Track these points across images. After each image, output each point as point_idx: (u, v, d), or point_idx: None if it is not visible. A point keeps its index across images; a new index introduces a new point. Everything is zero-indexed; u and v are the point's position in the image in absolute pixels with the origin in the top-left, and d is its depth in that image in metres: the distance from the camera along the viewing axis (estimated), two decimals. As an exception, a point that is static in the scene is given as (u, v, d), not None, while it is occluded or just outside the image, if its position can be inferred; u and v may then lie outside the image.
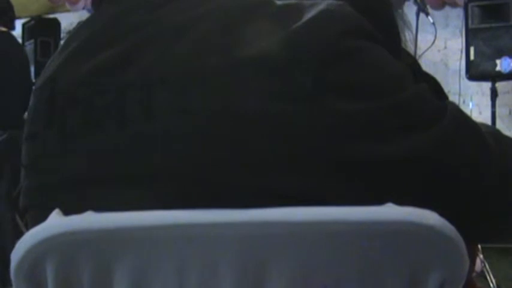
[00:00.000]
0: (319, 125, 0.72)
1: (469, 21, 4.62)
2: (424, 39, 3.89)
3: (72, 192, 0.75)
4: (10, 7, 4.23)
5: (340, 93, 0.73)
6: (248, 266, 0.70)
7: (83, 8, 6.49)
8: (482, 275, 3.46)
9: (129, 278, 0.70)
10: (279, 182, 0.71)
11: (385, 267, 0.71)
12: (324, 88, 0.73)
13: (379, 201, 0.71)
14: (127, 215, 0.70)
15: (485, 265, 3.47)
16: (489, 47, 4.51)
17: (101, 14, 0.84)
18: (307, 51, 0.74)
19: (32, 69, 4.85)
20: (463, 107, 0.82)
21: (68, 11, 6.57)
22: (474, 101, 5.34)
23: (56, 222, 0.71)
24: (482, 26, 4.57)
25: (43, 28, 6.02)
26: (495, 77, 4.53)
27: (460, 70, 4.98)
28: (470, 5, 4.63)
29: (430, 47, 3.79)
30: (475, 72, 4.58)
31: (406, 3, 3.80)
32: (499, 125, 4.75)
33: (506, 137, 0.85)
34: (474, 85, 5.20)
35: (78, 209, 0.70)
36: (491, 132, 0.83)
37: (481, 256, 3.32)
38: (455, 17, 5.44)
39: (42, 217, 0.71)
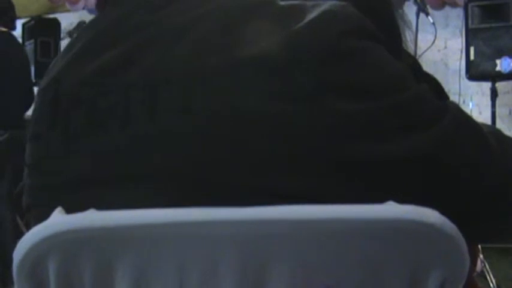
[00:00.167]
0: (319, 125, 0.72)
1: (469, 21, 4.62)
2: (424, 39, 3.89)
3: (75, 192, 0.75)
4: (11, 7, 4.23)
5: (340, 93, 0.73)
6: (249, 265, 0.70)
7: (83, 8, 6.49)
8: (482, 275, 3.46)
9: (130, 276, 0.71)
10: (279, 182, 0.71)
11: (386, 265, 0.71)
12: (324, 88, 0.73)
13: (379, 201, 0.71)
14: (128, 213, 0.70)
15: (485, 265, 3.48)
16: (489, 47, 4.51)
17: (104, 16, 0.85)
18: (308, 51, 0.74)
19: (32, 69, 4.84)
20: (463, 107, 0.82)
21: (68, 11, 6.57)
22: (474, 101, 5.34)
23: (58, 220, 0.71)
24: (482, 26, 4.57)
25: (43, 28, 6.01)
26: (495, 77, 4.53)
27: (460, 70, 4.98)
28: (470, 5, 4.63)
29: (430, 47, 3.79)
30: (475, 72, 4.58)
31: (406, 3, 3.80)
32: (499, 125, 4.75)
33: (507, 137, 0.86)
34: (474, 85, 5.20)
35: (81, 209, 0.71)
36: (492, 132, 0.83)
37: (481, 256, 3.32)
38: (455, 17, 5.44)
39: (45, 216, 0.71)
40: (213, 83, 0.73)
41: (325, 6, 0.77)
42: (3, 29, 4.10)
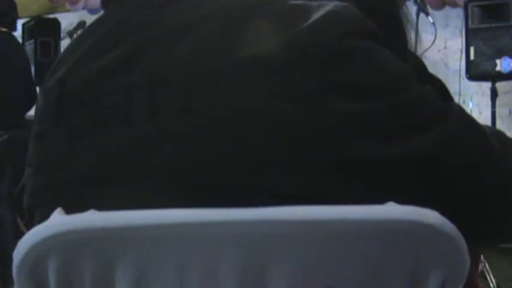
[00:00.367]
0: (319, 125, 0.72)
1: (469, 21, 4.61)
2: (424, 39, 3.89)
3: (78, 191, 0.75)
4: (12, 8, 4.22)
5: (340, 93, 0.73)
6: (249, 265, 0.70)
7: (83, 8, 6.49)
8: (482, 275, 3.46)
9: (131, 276, 0.71)
10: (279, 182, 0.71)
11: (386, 265, 0.71)
12: (324, 88, 0.73)
13: (379, 201, 0.71)
14: (128, 213, 0.70)
15: (485, 265, 3.48)
16: (489, 47, 4.51)
17: (106, 16, 0.85)
18: (308, 51, 0.74)
19: (32, 69, 4.84)
20: (463, 107, 0.82)
21: (68, 11, 6.57)
22: (474, 101, 5.33)
23: (58, 220, 0.71)
24: (482, 26, 4.56)
25: (43, 28, 6.01)
26: (495, 77, 4.53)
27: (460, 70, 4.97)
28: (470, 5, 4.63)
29: (430, 47, 3.79)
30: (475, 72, 4.58)
31: (406, 3, 3.80)
32: (499, 125, 4.75)
33: (509, 139, 0.86)
34: (474, 85, 5.20)
35: (83, 209, 0.71)
36: (494, 134, 0.83)
37: (481, 256, 3.32)
38: (455, 17, 5.44)
39: (47, 216, 0.71)
40: (213, 83, 0.73)
41: (329, 6, 0.77)
42: (4, 29, 4.10)
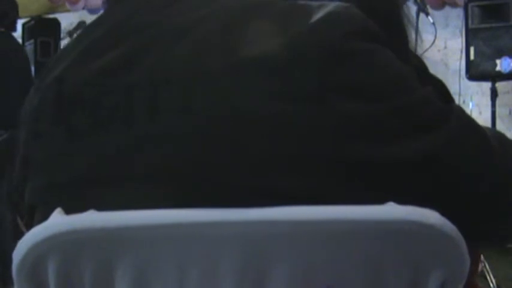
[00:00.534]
0: (319, 125, 0.72)
1: (469, 21, 4.62)
2: (424, 39, 3.89)
3: (78, 191, 0.75)
4: (13, 8, 4.22)
5: (341, 94, 0.73)
6: (249, 265, 0.70)
7: (83, 8, 6.49)
8: (482, 275, 3.46)
9: (131, 277, 0.71)
10: (279, 182, 0.71)
11: (386, 266, 0.71)
12: (324, 88, 0.73)
13: (379, 201, 0.71)
14: (128, 214, 0.70)
15: (485, 265, 3.48)
16: (489, 47, 4.51)
17: (106, 16, 0.85)
18: (309, 51, 0.74)
19: (32, 69, 4.84)
20: (463, 107, 0.82)
21: (68, 11, 6.57)
22: (474, 101, 5.33)
23: (58, 221, 0.71)
24: (482, 26, 4.56)
25: (43, 28, 6.01)
26: (495, 77, 4.53)
27: (460, 70, 4.97)
28: (470, 5, 4.63)
29: (430, 47, 3.79)
30: (475, 72, 4.58)
31: (406, 3, 3.80)
32: (499, 125, 4.75)
33: (509, 140, 0.86)
34: (474, 85, 5.20)
35: (83, 209, 0.71)
36: (494, 135, 0.83)
37: (481, 256, 3.32)
38: (455, 17, 5.44)
39: (48, 216, 0.71)
40: (213, 83, 0.73)
41: (330, 7, 0.77)
42: (3, 30, 4.09)
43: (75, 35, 5.50)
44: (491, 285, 3.52)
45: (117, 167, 0.74)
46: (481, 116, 5.13)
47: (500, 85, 4.64)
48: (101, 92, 0.76)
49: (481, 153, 0.79)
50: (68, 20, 6.23)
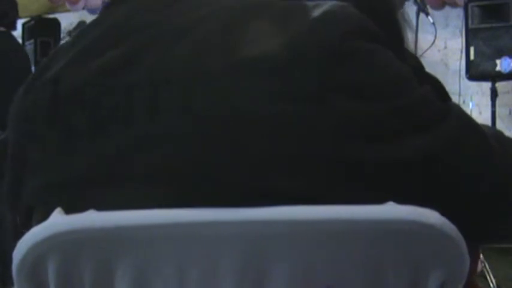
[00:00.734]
0: (319, 125, 0.72)
1: (469, 21, 4.61)
2: (424, 39, 3.89)
3: (78, 191, 0.75)
4: (12, 8, 4.21)
5: (340, 94, 0.73)
6: (249, 265, 0.70)
7: (83, 8, 6.49)
8: (482, 275, 3.46)
9: (130, 277, 0.71)
10: (279, 182, 0.71)
11: (386, 265, 0.71)
12: (324, 88, 0.73)
13: (379, 201, 0.71)
14: (128, 214, 0.70)
15: (485, 265, 3.47)
16: (489, 47, 4.51)
17: (105, 15, 0.84)
18: (308, 51, 0.74)
19: (32, 69, 4.84)
20: (463, 107, 0.82)
21: (68, 11, 6.57)
22: (474, 101, 5.33)
23: (58, 221, 0.71)
24: (482, 26, 4.56)
25: (43, 28, 6.01)
26: (495, 77, 4.53)
27: (460, 70, 4.97)
28: (470, 5, 4.63)
29: (430, 47, 3.79)
30: (475, 72, 4.58)
31: (406, 3, 3.80)
32: (499, 125, 4.75)
33: (508, 139, 0.86)
34: (474, 85, 5.20)
35: (83, 209, 0.71)
36: (493, 134, 0.83)
37: (481, 256, 3.32)
38: (455, 17, 5.44)
39: (48, 216, 0.71)
40: (213, 83, 0.73)
41: (326, 6, 0.77)
42: (3, 29, 4.09)
43: (74, 34, 5.52)
44: (491, 285, 3.51)
45: (117, 167, 0.74)
46: (481, 116, 5.13)
47: (500, 85, 4.64)
48: (100, 91, 0.76)
49: (481, 153, 0.79)
50: (68, 20, 6.23)
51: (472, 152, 0.78)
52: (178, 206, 0.70)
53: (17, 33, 4.87)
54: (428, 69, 0.87)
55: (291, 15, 0.77)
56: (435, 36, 3.83)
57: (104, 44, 0.79)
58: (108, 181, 0.74)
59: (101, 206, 0.71)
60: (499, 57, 4.48)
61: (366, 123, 0.73)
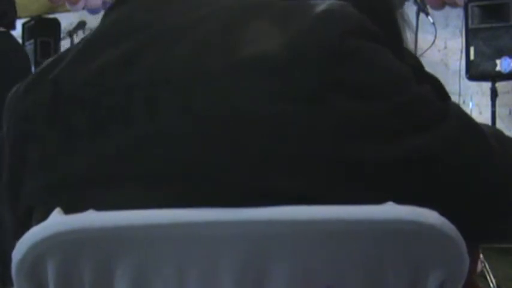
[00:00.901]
0: (319, 125, 0.72)
1: (469, 21, 4.61)
2: (424, 39, 3.89)
3: (77, 192, 0.75)
4: (11, 8, 4.21)
5: (340, 94, 0.73)
6: (249, 265, 0.70)
7: (83, 8, 6.48)
8: (482, 275, 3.46)
9: (130, 277, 0.71)
10: (279, 182, 0.71)
11: (386, 265, 0.71)
12: (324, 88, 0.73)
13: (379, 201, 0.71)
14: (128, 213, 0.70)
15: (485, 265, 3.47)
16: (489, 47, 4.51)
17: (108, 14, 0.84)
18: (308, 51, 0.74)
19: (32, 69, 4.84)
20: (463, 107, 0.82)
21: (68, 11, 6.56)
22: (474, 101, 5.33)
23: (57, 221, 0.71)
24: (482, 26, 4.56)
25: (43, 28, 6.01)
26: (495, 77, 4.53)
27: (460, 70, 4.97)
28: (470, 5, 4.63)
29: (430, 47, 3.79)
30: (475, 72, 4.57)
31: (406, 3, 3.80)
32: (499, 125, 4.74)
33: (508, 139, 0.86)
34: (474, 85, 5.20)
35: (82, 209, 0.71)
36: (493, 133, 0.83)
37: (481, 256, 3.32)
38: (455, 17, 5.44)
39: (47, 216, 0.71)
40: (213, 83, 0.73)
41: (325, 6, 0.77)
42: (3, 29, 4.08)
43: (75, 35, 5.49)
44: (491, 285, 3.51)
45: (117, 167, 0.74)
46: (481, 116, 5.12)
47: (500, 85, 4.64)
48: (100, 92, 0.76)
49: (481, 153, 0.79)
50: (68, 20, 6.23)
51: (472, 152, 0.78)
52: (178, 206, 0.70)
53: (17, 33, 4.87)
54: (428, 69, 0.87)
55: (291, 15, 0.77)
56: (435, 36, 3.83)
57: (103, 44, 0.79)
58: (108, 181, 0.74)
59: (101, 206, 0.71)
60: (499, 57, 4.48)
61: (366, 123, 0.73)
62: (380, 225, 0.70)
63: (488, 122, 4.45)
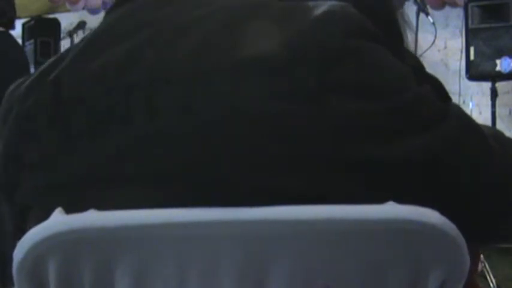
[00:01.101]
0: (319, 125, 0.72)
1: (469, 21, 4.62)
2: (424, 39, 3.89)
3: (78, 191, 0.75)
4: (10, 7, 4.21)
5: (341, 94, 0.73)
6: (249, 265, 0.70)
7: (83, 8, 6.49)
8: (482, 275, 3.47)
9: (130, 276, 0.71)
10: (279, 182, 0.71)
11: (387, 265, 0.71)
12: (324, 88, 0.73)
13: (379, 201, 0.71)
14: (128, 213, 0.70)
15: (485, 265, 3.48)
16: (489, 47, 4.51)
17: (109, 14, 0.84)
18: (308, 51, 0.74)
19: (32, 69, 4.84)
20: (463, 107, 0.83)
21: (68, 11, 6.57)
22: (474, 101, 5.33)
23: (58, 220, 0.71)
24: (482, 26, 4.56)
25: (43, 28, 6.01)
26: (495, 77, 4.53)
27: (460, 70, 4.97)
28: (470, 5, 4.63)
29: (430, 47, 3.79)
30: (475, 72, 4.58)
31: (406, 3, 3.80)
32: (499, 125, 4.75)
33: (508, 139, 0.86)
34: (474, 85, 5.20)
35: (83, 209, 0.71)
36: (493, 134, 0.83)
37: (481, 256, 3.32)
38: (455, 17, 5.44)
39: (46, 216, 0.71)
40: (214, 83, 0.73)
41: (325, 6, 0.77)
42: (2, 29, 4.08)
43: (75, 35, 5.49)
44: (491, 285, 3.52)
45: (117, 167, 0.74)
46: (481, 116, 5.13)
47: (500, 85, 4.64)
48: (100, 91, 0.76)
49: (481, 153, 0.79)
50: (68, 20, 6.23)
51: (472, 152, 0.78)
52: (178, 206, 0.70)
53: (17, 33, 4.87)
54: (428, 69, 0.87)
55: (291, 15, 0.77)
56: (435, 36, 3.83)
57: (104, 44, 0.79)
58: (108, 181, 0.74)
59: (101, 206, 0.71)
60: (499, 57, 4.48)
61: (366, 123, 0.73)
62: (380, 225, 0.70)
63: (488, 122, 4.46)
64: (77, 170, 0.75)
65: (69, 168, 0.76)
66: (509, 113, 5.45)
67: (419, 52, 3.71)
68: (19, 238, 0.71)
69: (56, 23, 6.09)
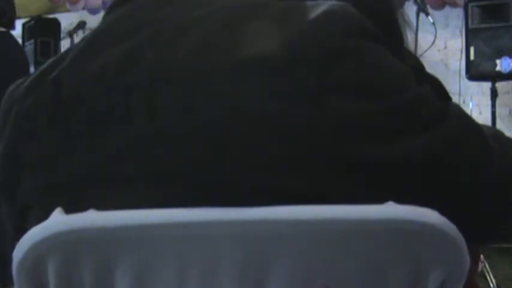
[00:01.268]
0: (319, 125, 0.72)
1: (469, 21, 4.62)
2: (424, 39, 3.89)
3: (78, 191, 0.75)
4: (10, 7, 4.20)
5: (340, 94, 0.73)
6: (249, 265, 0.70)
7: (83, 8, 6.49)
8: (482, 275, 3.47)
9: (130, 276, 0.71)
10: (279, 182, 0.71)
11: (386, 265, 0.71)
12: (324, 88, 0.73)
13: (379, 201, 0.71)
14: (128, 213, 0.70)
15: (485, 265, 3.48)
16: (489, 47, 4.51)
17: (109, 14, 0.84)
18: (308, 51, 0.74)
19: (32, 69, 4.84)
20: (463, 107, 0.83)
21: (68, 11, 6.57)
22: (474, 101, 5.33)
23: (58, 220, 0.71)
24: (482, 26, 4.56)
25: (43, 28, 6.01)
26: (495, 77, 4.53)
27: (460, 70, 4.97)
28: (470, 5, 4.63)
29: (430, 47, 3.79)
30: (475, 72, 4.58)
31: (406, 3, 3.80)
32: (499, 125, 4.75)
33: (508, 139, 0.86)
34: (474, 85, 5.20)
35: (83, 209, 0.71)
36: (493, 134, 0.83)
37: (481, 256, 3.32)
38: (455, 17, 5.44)
39: (46, 216, 0.71)
40: (214, 83, 0.73)
41: (325, 6, 0.77)
42: (2, 29, 4.08)
43: (75, 35, 5.49)
44: (491, 285, 3.52)
45: (117, 167, 0.74)
46: (481, 116, 5.13)
47: (500, 85, 4.64)
48: (100, 91, 0.76)
49: (481, 153, 0.79)
50: (68, 20, 6.23)
51: (472, 152, 0.78)
52: (178, 205, 0.70)
53: (17, 33, 4.87)
54: (428, 69, 0.87)
55: (291, 15, 0.77)
56: (435, 36, 3.83)
57: (104, 44, 0.79)
58: (108, 181, 0.74)
59: (101, 206, 0.71)
60: (499, 57, 4.48)
61: (366, 123, 0.73)
62: (380, 225, 0.70)
63: (488, 122, 4.46)
64: (77, 170, 0.75)
65: (69, 168, 0.76)
66: (509, 113, 5.45)
67: (419, 52, 3.71)
68: (19, 238, 0.71)
69: (56, 23, 6.09)
